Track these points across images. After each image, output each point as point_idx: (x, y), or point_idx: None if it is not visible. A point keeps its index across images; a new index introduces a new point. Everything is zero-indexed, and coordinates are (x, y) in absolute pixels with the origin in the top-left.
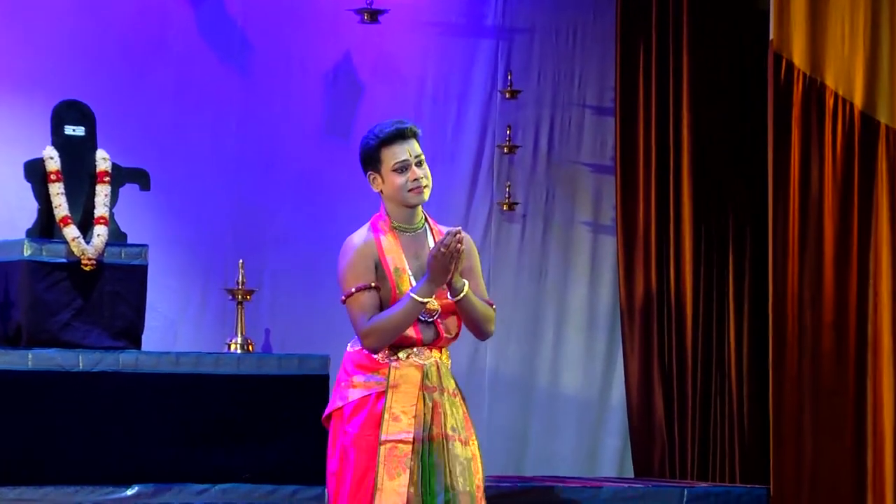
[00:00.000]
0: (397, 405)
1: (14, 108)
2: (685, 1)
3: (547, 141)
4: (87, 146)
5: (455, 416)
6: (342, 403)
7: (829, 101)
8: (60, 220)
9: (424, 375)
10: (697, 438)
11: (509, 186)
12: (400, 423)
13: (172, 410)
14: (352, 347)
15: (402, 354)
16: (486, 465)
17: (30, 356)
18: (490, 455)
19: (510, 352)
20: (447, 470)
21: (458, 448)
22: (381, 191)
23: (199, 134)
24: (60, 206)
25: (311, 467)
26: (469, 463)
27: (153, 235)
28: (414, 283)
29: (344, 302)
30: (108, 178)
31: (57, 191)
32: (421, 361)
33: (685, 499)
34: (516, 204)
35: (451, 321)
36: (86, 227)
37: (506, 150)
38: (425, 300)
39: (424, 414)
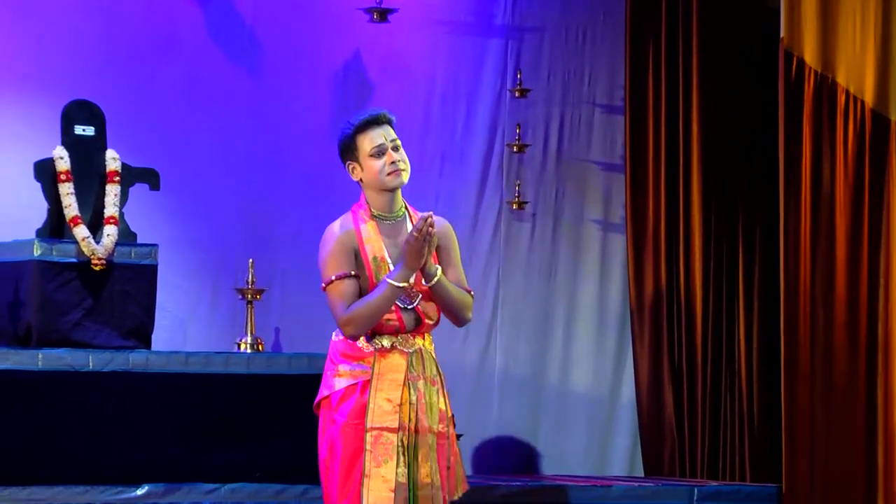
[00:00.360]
0: (382, 394)
1: (24, 107)
2: None
3: (557, 139)
4: (96, 146)
5: (431, 406)
6: (329, 392)
7: (841, 99)
8: (70, 220)
9: (409, 364)
10: (707, 437)
11: (519, 185)
12: (386, 411)
13: (182, 410)
14: (336, 337)
15: (385, 342)
16: (497, 462)
17: (40, 356)
18: (500, 454)
19: (520, 350)
20: (431, 463)
21: (429, 439)
22: (361, 179)
23: (209, 133)
24: (70, 206)
25: None
26: (433, 453)
27: (163, 235)
28: None
29: (324, 290)
30: (117, 178)
31: (67, 191)
32: (405, 349)
33: (695, 497)
34: (526, 202)
35: (431, 306)
36: (96, 227)
37: (515, 148)
38: (401, 284)
39: (410, 404)
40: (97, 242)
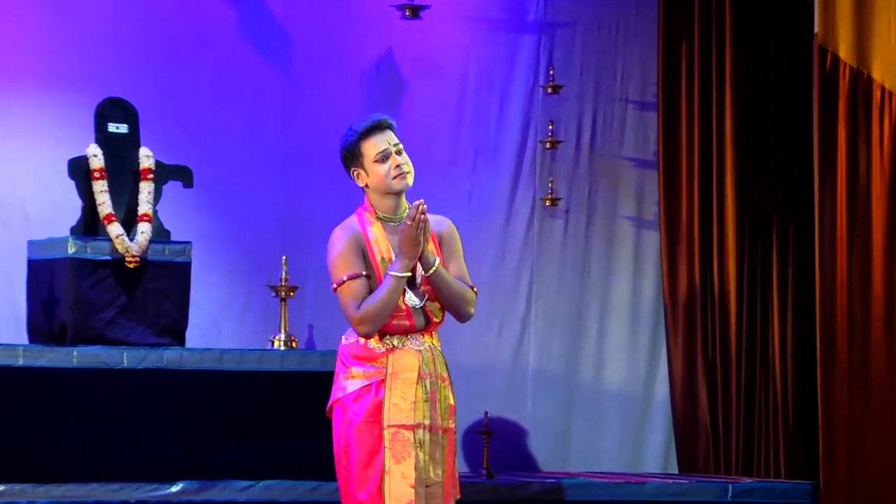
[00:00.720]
0: (397, 392)
1: (58, 105)
2: None
3: (589, 136)
4: (130, 143)
5: (442, 402)
6: (342, 394)
7: (876, 94)
8: (104, 218)
9: (421, 361)
10: (742, 433)
11: (552, 182)
12: (401, 409)
13: (216, 407)
14: (346, 340)
15: (396, 342)
16: (530, 459)
17: (75, 353)
18: (534, 450)
19: (553, 347)
20: (434, 462)
21: (441, 437)
22: (366, 184)
23: (242, 131)
24: (104, 204)
25: None
26: (442, 451)
27: (196, 232)
28: None
29: (335, 290)
30: (151, 176)
31: (101, 188)
32: (417, 347)
33: (730, 494)
34: (559, 199)
35: (436, 305)
36: (129, 225)
37: (548, 145)
38: (403, 274)
39: (424, 401)
40: (131, 240)
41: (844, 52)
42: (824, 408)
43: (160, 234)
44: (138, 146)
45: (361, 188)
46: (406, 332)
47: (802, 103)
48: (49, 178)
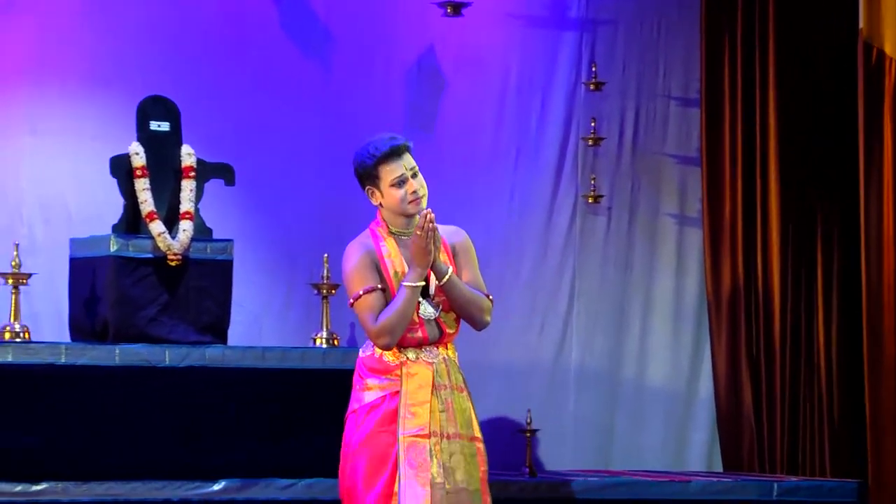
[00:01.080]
0: (412, 402)
1: (99, 103)
2: None
3: (632, 132)
4: (172, 141)
5: (462, 412)
6: (358, 405)
7: None
8: (146, 216)
9: (435, 373)
10: (787, 431)
11: (594, 179)
12: (416, 419)
13: (258, 405)
14: (363, 352)
15: (411, 354)
16: (573, 457)
17: (117, 351)
18: (576, 449)
19: (596, 344)
20: (451, 469)
21: (465, 446)
22: (380, 203)
23: (283, 128)
24: (146, 202)
25: None
26: (473, 458)
27: (238, 230)
28: None
29: (351, 306)
30: (193, 174)
31: (142, 186)
32: (430, 359)
33: (775, 493)
34: (601, 196)
35: (451, 317)
36: (171, 223)
37: (590, 142)
38: (416, 284)
39: (439, 412)
40: (173, 238)
41: (890, 47)
42: (872, 405)
43: (202, 232)
44: (180, 144)
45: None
46: (420, 344)
47: (847, 98)
48: (91, 177)
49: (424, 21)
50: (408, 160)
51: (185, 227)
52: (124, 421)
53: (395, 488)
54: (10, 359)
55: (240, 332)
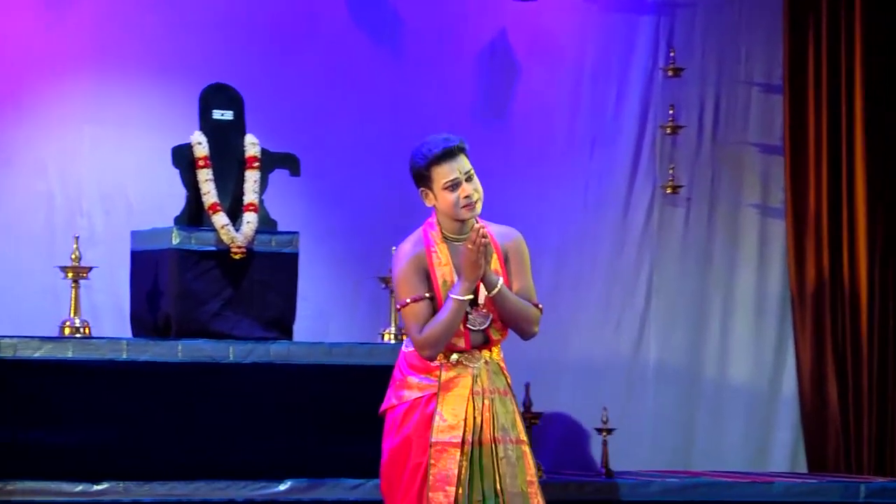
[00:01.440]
0: (447, 408)
1: (161, 92)
2: None
3: (712, 120)
4: (235, 131)
5: (505, 416)
6: (397, 402)
7: None
8: (209, 208)
9: (474, 379)
10: (874, 430)
11: (672, 169)
12: (450, 426)
13: (325, 402)
14: (406, 348)
15: (452, 358)
16: (651, 457)
17: (179, 347)
18: (654, 449)
19: (675, 341)
20: (496, 474)
21: (507, 449)
22: (434, 205)
23: (351, 117)
24: (209, 193)
25: None
26: (519, 461)
27: (304, 222)
28: None
29: (398, 310)
30: (257, 164)
31: (205, 177)
32: (471, 363)
33: (862, 494)
34: (680, 187)
35: (497, 325)
36: (235, 215)
37: (668, 130)
38: (464, 297)
39: (475, 418)
40: (237, 230)
41: None
42: None
43: (266, 224)
44: (244, 133)
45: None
46: (462, 350)
47: None
48: (152, 167)
49: (497, 5)
50: (462, 163)
51: (249, 219)
52: (187, 419)
53: (426, 495)
54: (69, 355)
55: (306, 327)
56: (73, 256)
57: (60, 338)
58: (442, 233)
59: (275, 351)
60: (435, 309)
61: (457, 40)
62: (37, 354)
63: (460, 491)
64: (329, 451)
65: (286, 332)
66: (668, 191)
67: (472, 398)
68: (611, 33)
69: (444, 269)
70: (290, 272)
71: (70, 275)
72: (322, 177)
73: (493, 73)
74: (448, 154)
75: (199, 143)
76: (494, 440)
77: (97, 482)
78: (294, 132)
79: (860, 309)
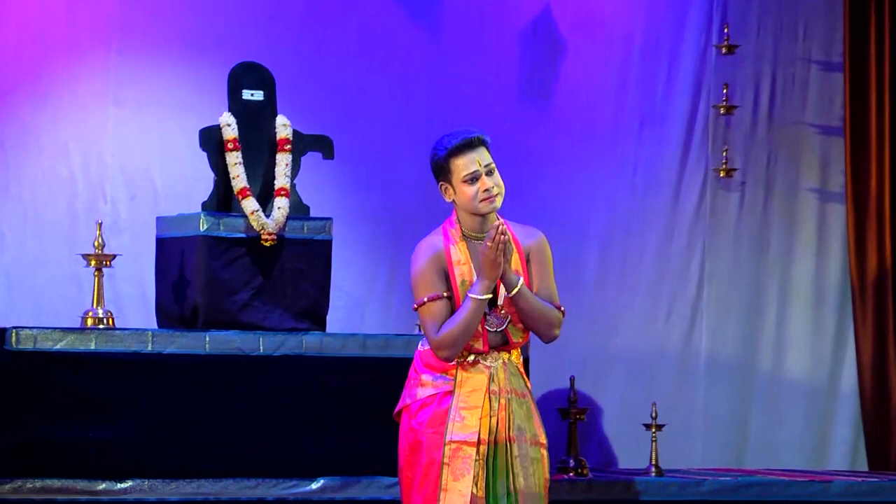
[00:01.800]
0: (463, 406)
1: (189, 71)
2: None
3: (768, 100)
4: (266, 112)
5: (521, 417)
6: (410, 401)
7: None
8: (238, 192)
9: (491, 378)
10: None
11: (726, 151)
12: (466, 424)
13: (360, 397)
14: (422, 347)
15: (469, 358)
16: (702, 455)
17: (207, 339)
18: (706, 446)
19: (728, 332)
20: (510, 473)
21: (522, 448)
22: (454, 201)
23: (386, 97)
24: (238, 177)
25: None
26: (537, 463)
27: (337, 207)
28: None
29: (415, 310)
30: (288, 147)
31: (234, 160)
32: (488, 364)
33: None
34: (734, 170)
35: (517, 327)
36: (265, 200)
37: (722, 110)
38: (483, 297)
39: (490, 417)
40: (267, 216)
41: None
42: None
43: (298, 210)
44: (275, 115)
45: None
46: (481, 352)
47: None
48: (179, 150)
49: None
50: (483, 155)
51: (281, 205)
52: (214, 414)
53: (438, 494)
54: (92, 346)
55: (339, 318)
56: (96, 244)
57: (83, 329)
58: (462, 230)
59: (307, 343)
60: (453, 309)
61: (498, 16)
62: (58, 346)
63: (475, 491)
64: (363, 447)
65: (319, 323)
66: (722, 174)
67: (489, 397)
68: (661, 8)
69: (462, 267)
70: (324, 260)
71: (93, 263)
72: (357, 160)
73: (535, 51)
74: (468, 145)
75: (228, 125)
76: (510, 439)
77: (121, 480)
78: (327, 113)
79: None
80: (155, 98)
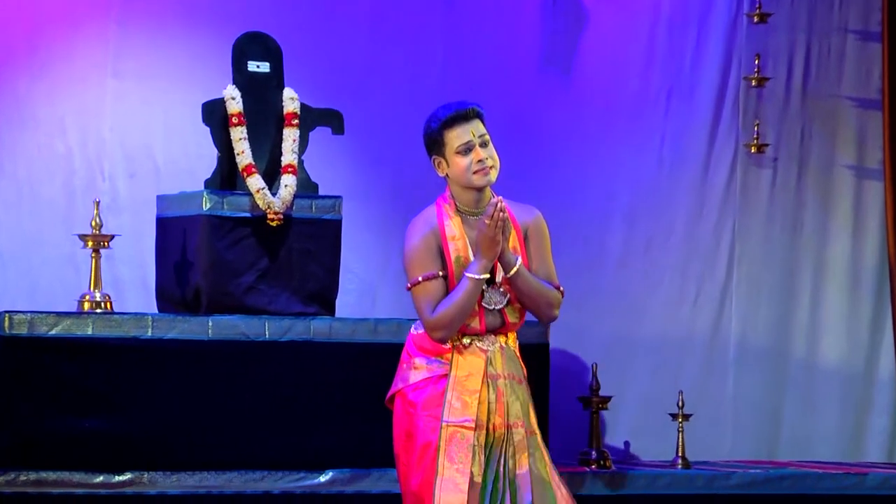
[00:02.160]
0: (461, 390)
1: (191, 42)
2: None
3: (802, 71)
4: (272, 84)
5: (521, 403)
6: (403, 385)
7: None
8: (243, 169)
9: (488, 362)
10: None
11: (758, 125)
12: (463, 407)
13: (370, 385)
14: (416, 330)
15: (465, 340)
16: (732, 447)
17: (210, 323)
18: (737, 436)
19: (760, 316)
20: (504, 460)
21: (522, 436)
22: (447, 175)
23: (399, 69)
24: (243, 153)
25: None
26: (537, 451)
27: (348, 186)
28: None
29: (409, 290)
30: (296, 121)
31: (239, 136)
32: (485, 347)
33: None
34: (766, 145)
35: (515, 309)
36: (272, 177)
37: (754, 82)
38: (481, 276)
39: (489, 402)
40: (273, 194)
41: None
42: None
43: (307, 188)
44: (282, 87)
45: (442, 178)
46: (476, 333)
47: None
48: (181, 125)
49: None
50: (477, 126)
51: (288, 182)
52: (218, 403)
53: (435, 479)
54: (89, 332)
55: (350, 301)
56: (94, 223)
57: (79, 313)
58: (456, 206)
59: (316, 328)
60: (447, 288)
61: None
62: (53, 331)
63: (474, 475)
64: (374, 438)
65: (328, 307)
66: (753, 150)
67: (487, 382)
68: None
69: (457, 243)
70: (333, 241)
71: (90, 244)
72: (368, 135)
73: (556, 21)
74: (462, 117)
75: (233, 98)
76: (508, 426)
77: (119, 472)
78: (337, 85)
79: None
80: (156, 70)
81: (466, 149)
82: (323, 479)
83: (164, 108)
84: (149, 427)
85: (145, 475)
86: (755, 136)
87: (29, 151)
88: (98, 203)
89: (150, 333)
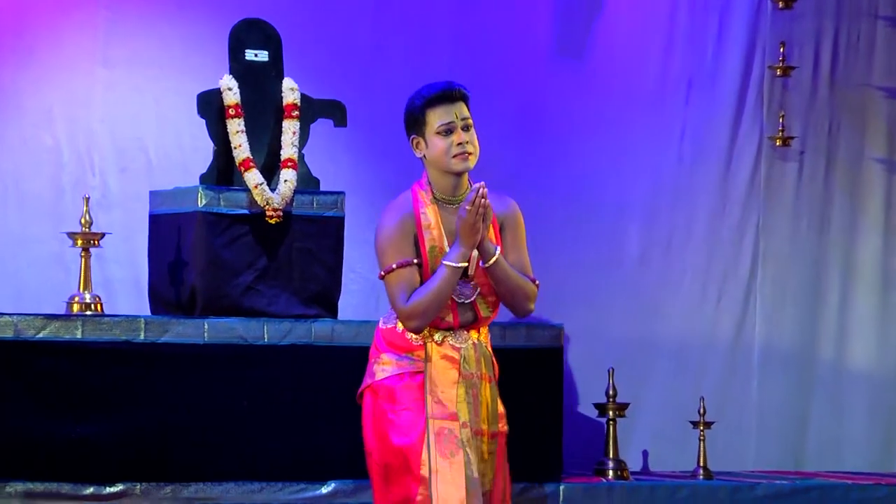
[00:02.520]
0: (437, 386)
1: (186, 28)
2: None
3: (829, 60)
4: (271, 74)
5: (489, 405)
6: (371, 381)
7: None
8: (241, 164)
9: (462, 360)
10: None
11: (783, 117)
12: (442, 404)
13: None
14: (384, 325)
15: (437, 336)
16: (756, 456)
17: (206, 326)
18: (761, 445)
19: (785, 318)
20: (487, 463)
21: (488, 444)
22: (424, 156)
23: (403, 59)
24: (240, 147)
25: (545, 449)
26: (492, 458)
27: (351, 181)
28: None
29: (382, 278)
30: (296, 113)
31: (236, 128)
32: (458, 344)
33: None
34: (792, 138)
35: (487, 301)
36: (271, 172)
37: (779, 71)
38: (459, 265)
39: (468, 402)
40: (272, 190)
41: None
42: None
43: (307, 183)
44: (281, 77)
45: (419, 159)
46: (449, 327)
47: None
48: (175, 117)
49: None
50: (461, 109)
51: (288, 177)
52: (214, 410)
53: (424, 473)
54: (78, 335)
55: (353, 303)
56: (83, 221)
57: (68, 315)
58: (433, 193)
59: (316, 331)
60: (422, 277)
61: None
62: (41, 335)
63: (470, 470)
64: None
65: (330, 309)
66: (778, 142)
67: (462, 381)
68: None
69: (433, 231)
70: (335, 239)
71: (79, 242)
72: (372, 128)
73: (571, 6)
74: (447, 97)
75: (230, 89)
76: (481, 432)
77: (110, 483)
78: (339, 75)
79: None
80: (148, 58)
81: (447, 130)
82: (325, 490)
83: (157, 98)
84: (142, 436)
85: (138, 486)
86: (780, 128)
87: (15, 144)
88: (88, 199)
89: (142, 337)
